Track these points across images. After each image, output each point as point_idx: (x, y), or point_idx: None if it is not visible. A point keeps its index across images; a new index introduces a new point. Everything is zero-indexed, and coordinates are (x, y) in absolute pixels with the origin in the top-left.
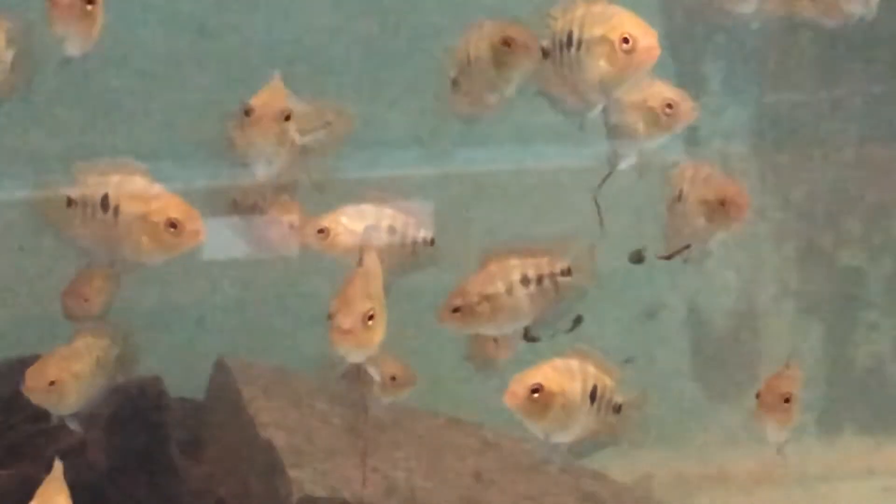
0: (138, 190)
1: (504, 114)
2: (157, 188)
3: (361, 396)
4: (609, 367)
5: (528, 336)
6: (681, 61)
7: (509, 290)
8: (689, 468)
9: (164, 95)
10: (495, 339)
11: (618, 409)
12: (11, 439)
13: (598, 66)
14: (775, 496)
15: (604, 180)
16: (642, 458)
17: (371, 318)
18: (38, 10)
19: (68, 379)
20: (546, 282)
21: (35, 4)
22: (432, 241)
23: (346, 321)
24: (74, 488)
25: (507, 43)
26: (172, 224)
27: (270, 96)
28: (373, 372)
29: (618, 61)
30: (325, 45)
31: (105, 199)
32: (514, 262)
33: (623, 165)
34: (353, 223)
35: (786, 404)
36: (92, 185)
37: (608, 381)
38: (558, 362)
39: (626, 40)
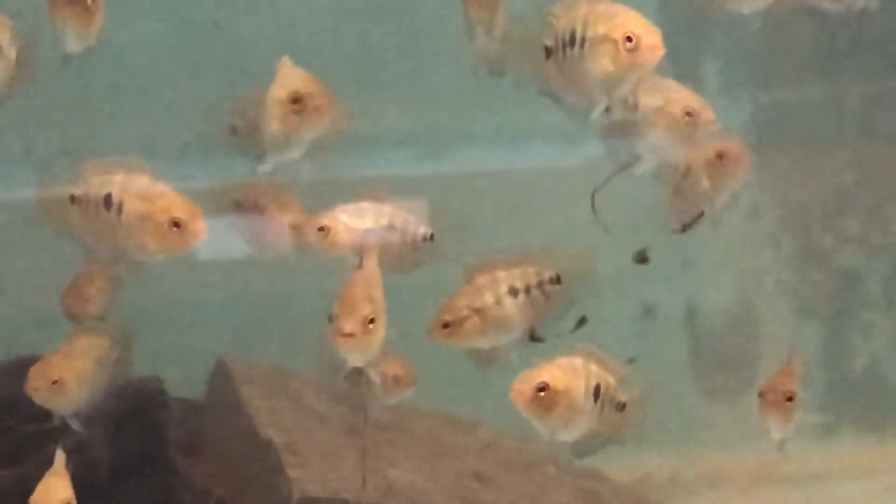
0: (142, 188)
1: (499, 113)
2: (160, 186)
3: (361, 397)
4: (612, 365)
5: (533, 336)
6: (678, 60)
7: (498, 302)
8: (687, 468)
9: (161, 94)
10: None
11: (621, 407)
12: (12, 439)
13: (602, 64)
14: (773, 496)
15: (607, 180)
16: (641, 457)
17: (372, 321)
18: (41, 7)
19: (71, 378)
20: (535, 291)
21: (37, 2)
22: (432, 237)
23: (347, 324)
24: (74, 488)
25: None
26: (175, 223)
27: (306, 82)
28: (373, 375)
29: (621, 60)
30: (322, 43)
31: (108, 197)
32: (501, 273)
33: (637, 170)
34: (352, 221)
35: (788, 402)
36: (95, 183)
37: (611, 380)
38: (563, 361)
39: (629, 39)
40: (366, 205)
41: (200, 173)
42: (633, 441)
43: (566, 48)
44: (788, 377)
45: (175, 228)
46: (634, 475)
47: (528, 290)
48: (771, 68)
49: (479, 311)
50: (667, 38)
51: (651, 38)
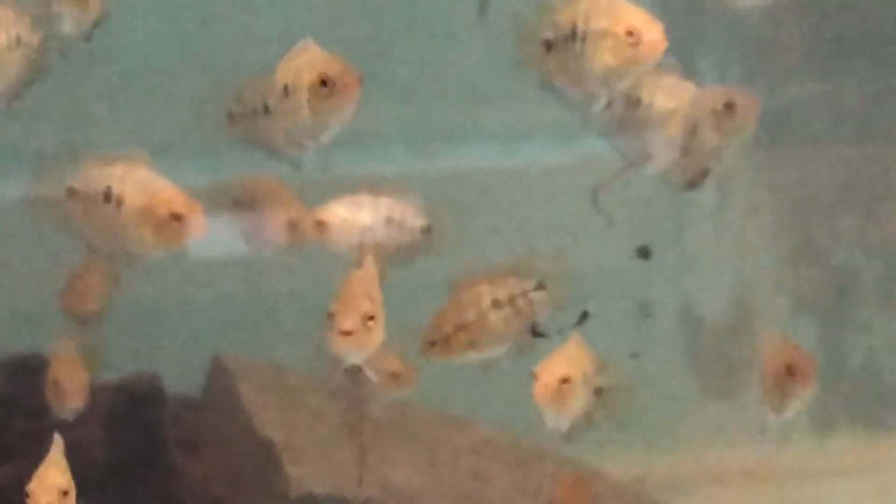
0: (141, 181)
1: (494, 111)
2: (160, 180)
3: (358, 395)
4: (586, 352)
5: (535, 331)
6: (675, 56)
7: (483, 316)
8: (684, 465)
9: (157, 92)
10: None
11: (598, 392)
12: (10, 436)
13: (603, 59)
14: (770, 493)
15: (613, 177)
16: (638, 455)
17: (371, 318)
18: None
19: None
20: (519, 301)
21: None
22: (429, 229)
23: (346, 322)
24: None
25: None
26: (175, 217)
27: (333, 65)
28: (371, 373)
29: (622, 55)
30: (316, 39)
31: (108, 190)
32: (483, 287)
33: (648, 170)
34: (350, 214)
35: (791, 377)
36: (95, 176)
37: (589, 366)
38: (562, 352)
39: (630, 33)
40: (363, 198)
41: (197, 171)
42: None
43: (567, 42)
44: (786, 352)
45: (175, 222)
46: (632, 473)
47: (512, 301)
48: (768, 66)
49: (464, 327)
50: (665, 34)
51: (652, 33)
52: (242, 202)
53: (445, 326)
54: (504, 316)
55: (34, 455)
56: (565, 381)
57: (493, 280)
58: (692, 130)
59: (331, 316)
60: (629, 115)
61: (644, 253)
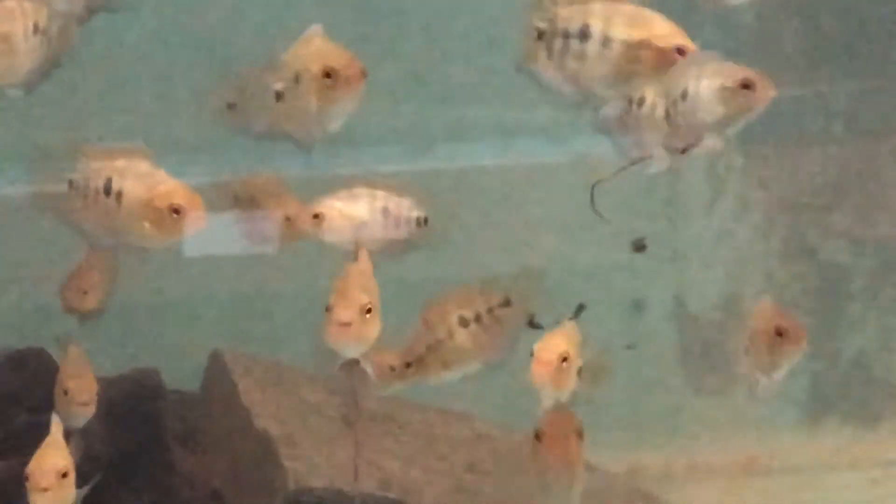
0: (141, 175)
1: (487, 110)
2: (160, 173)
3: (354, 389)
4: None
5: (532, 323)
6: None
7: (451, 335)
8: (677, 460)
9: (152, 89)
10: None
11: (578, 372)
12: (11, 430)
13: (626, 67)
14: (762, 487)
15: (614, 175)
16: (632, 449)
17: (368, 311)
18: None
19: None
20: (485, 318)
21: None
22: (426, 221)
23: (344, 314)
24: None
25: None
26: (175, 209)
27: (342, 58)
28: (368, 367)
29: (653, 65)
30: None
31: (108, 183)
32: (450, 306)
33: (650, 169)
34: (347, 207)
35: (779, 338)
36: (95, 168)
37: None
38: (557, 333)
39: (681, 52)
40: (359, 191)
41: (195, 169)
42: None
43: (570, 39)
44: (768, 315)
45: (175, 215)
46: (625, 467)
47: (478, 319)
48: (759, 64)
49: (433, 348)
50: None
51: (677, 39)
52: (243, 200)
53: (418, 348)
54: (471, 333)
55: (36, 449)
56: (565, 359)
57: (460, 298)
58: (683, 95)
59: (329, 308)
60: (633, 114)
61: (639, 246)
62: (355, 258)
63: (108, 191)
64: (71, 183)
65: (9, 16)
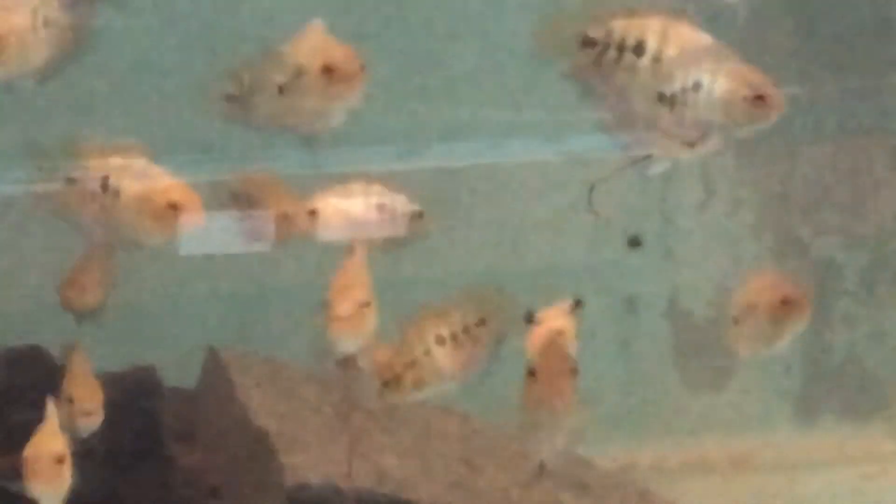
0: (139, 171)
1: (481, 110)
2: (158, 170)
3: (348, 385)
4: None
5: (529, 317)
6: None
7: (427, 353)
8: (670, 456)
9: (147, 87)
10: None
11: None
12: (8, 427)
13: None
14: (754, 483)
15: (614, 173)
16: (626, 445)
17: (366, 305)
18: None
19: None
20: (461, 337)
21: None
22: (422, 215)
23: (342, 308)
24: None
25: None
26: (173, 206)
27: (341, 53)
28: (364, 363)
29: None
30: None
31: (105, 180)
32: (427, 323)
33: (653, 170)
34: (342, 202)
35: (784, 307)
36: (92, 165)
37: None
38: (560, 307)
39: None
40: (354, 186)
41: (192, 167)
42: None
43: (624, 52)
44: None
45: (172, 211)
46: (619, 462)
47: (454, 337)
48: (751, 64)
49: (410, 366)
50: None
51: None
52: (240, 197)
53: (396, 366)
54: (448, 351)
55: None
56: (560, 334)
57: (437, 317)
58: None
59: (326, 303)
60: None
61: (635, 242)
62: (351, 254)
63: (105, 188)
64: (68, 180)
65: (17, 9)
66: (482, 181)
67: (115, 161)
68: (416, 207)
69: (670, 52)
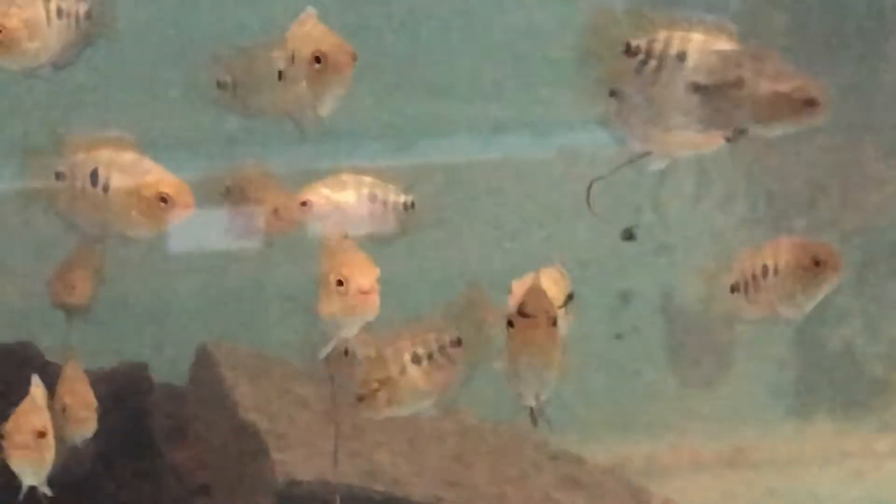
0: (128, 164)
1: (473, 106)
2: (146, 162)
3: (334, 379)
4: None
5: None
6: None
7: (402, 371)
8: (664, 452)
9: (143, 84)
10: None
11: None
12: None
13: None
14: (747, 479)
15: (614, 171)
16: (619, 442)
17: (374, 289)
18: None
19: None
20: (437, 356)
21: None
22: (413, 205)
23: (365, 282)
24: (59, 473)
25: None
26: (163, 198)
27: (332, 42)
28: (362, 350)
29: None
30: None
31: (95, 173)
32: (403, 342)
33: (652, 165)
34: (334, 193)
35: (815, 267)
36: (81, 159)
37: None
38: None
39: None
40: (347, 177)
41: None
42: None
43: (665, 62)
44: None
45: (162, 204)
46: (613, 459)
47: (430, 356)
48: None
49: (385, 383)
50: None
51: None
52: (233, 192)
53: (370, 382)
54: (423, 370)
55: None
56: (538, 281)
57: (414, 335)
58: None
59: (342, 280)
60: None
61: (629, 235)
62: (337, 242)
63: (94, 181)
64: (58, 175)
65: (31, 1)
66: (475, 177)
67: (104, 154)
68: (407, 197)
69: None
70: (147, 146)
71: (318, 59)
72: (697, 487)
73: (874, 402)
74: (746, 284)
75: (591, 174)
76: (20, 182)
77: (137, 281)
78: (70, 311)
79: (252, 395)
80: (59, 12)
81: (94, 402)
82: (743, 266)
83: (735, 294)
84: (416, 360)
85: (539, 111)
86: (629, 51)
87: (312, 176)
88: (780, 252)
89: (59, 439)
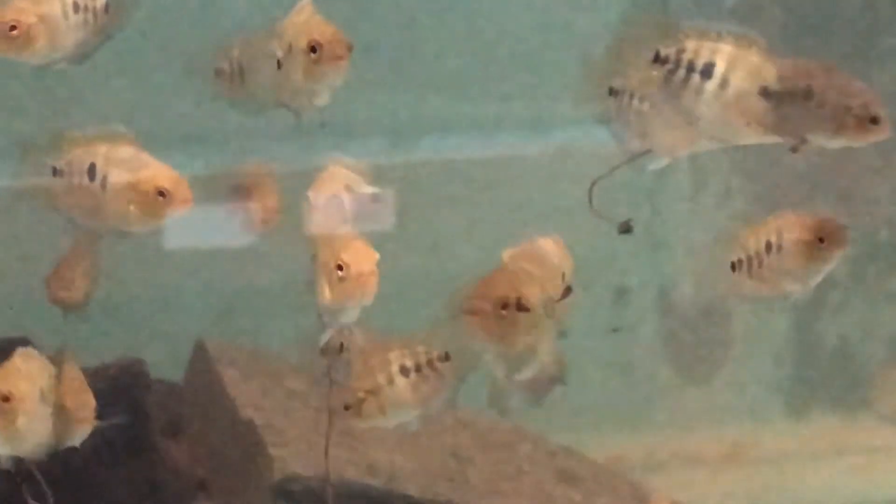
0: (125, 158)
1: (472, 102)
2: (144, 156)
3: (327, 373)
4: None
5: (625, 227)
6: None
7: (390, 382)
8: (660, 447)
9: (137, 81)
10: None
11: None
12: None
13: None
14: (744, 475)
15: (614, 169)
16: (615, 437)
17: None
18: None
19: None
20: (425, 369)
21: None
22: (379, 197)
23: (365, 265)
24: (55, 470)
25: None
26: (161, 192)
27: (328, 32)
28: (359, 337)
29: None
30: None
31: (92, 167)
32: (392, 353)
33: (652, 165)
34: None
35: (820, 242)
36: (78, 153)
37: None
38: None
39: None
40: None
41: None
42: None
43: (693, 73)
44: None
45: (160, 198)
46: (609, 454)
47: (418, 369)
48: None
49: (372, 393)
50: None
51: None
52: (237, 189)
53: (357, 391)
54: (411, 382)
55: None
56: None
57: (402, 347)
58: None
59: (342, 266)
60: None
61: (626, 228)
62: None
63: (92, 176)
64: (55, 170)
65: None
66: (472, 174)
67: (101, 149)
68: (375, 190)
69: (737, 78)
70: (146, 143)
71: (313, 49)
72: (695, 482)
73: (872, 397)
74: (750, 260)
75: (590, 172)
76: (17, 179)
77: (134, 277)
78: (67, 308)
79: (249, 391)
80: (77, 7)
81: (92, 401)
82: (746, 243)
83: (736, 272)
84: (404, 371)
85: (538, 108)
86: (658, 59)
87: (308, 173)
88: (783, 227)
89: (58, 439)
